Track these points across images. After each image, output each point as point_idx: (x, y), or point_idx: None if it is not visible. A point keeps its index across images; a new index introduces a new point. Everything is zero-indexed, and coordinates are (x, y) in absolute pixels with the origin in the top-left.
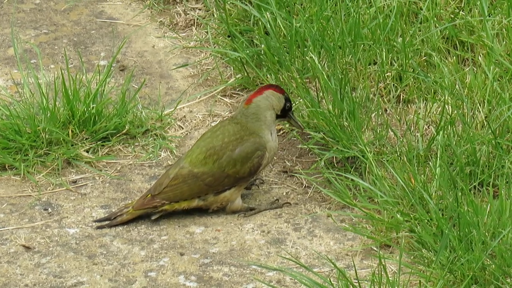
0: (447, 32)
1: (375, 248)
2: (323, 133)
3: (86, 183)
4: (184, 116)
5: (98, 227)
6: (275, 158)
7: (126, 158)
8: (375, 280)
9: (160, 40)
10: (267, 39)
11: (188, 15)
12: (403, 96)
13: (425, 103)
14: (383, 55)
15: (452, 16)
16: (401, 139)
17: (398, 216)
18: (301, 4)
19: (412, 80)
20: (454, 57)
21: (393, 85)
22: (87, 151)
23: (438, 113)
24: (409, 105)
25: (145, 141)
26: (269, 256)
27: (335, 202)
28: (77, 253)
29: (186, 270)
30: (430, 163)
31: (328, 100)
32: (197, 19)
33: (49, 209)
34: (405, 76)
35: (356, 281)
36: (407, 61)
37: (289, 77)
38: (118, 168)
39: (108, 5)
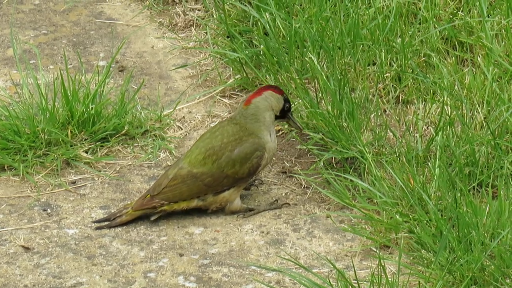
0: (446, 33)
1: (374, 249)
2: (322, 134)
3: (85, 183)
4: (183, 117)
5: (98, 228)
6: (274, 159)
7: (125, 159)
8: (374, 280)
9: (159, 40)
10: (266, 40)
11: (187, 16)
12: (402, 96)
13: (424, 104)
14: (382, 56)
15: (451, 16)
16: (400, 140)
17: (397, 216)
18: (301, 5)
19: (411, 80)
20: (453, 58)
21: (392, 85)
22: (86, 152)
23: (437, 113)
24: (408, 106)
25: (144, 141)
26: (268, 257)
27: (334, 203)
28: (77, 254)
29: (185, 270)
30: (429, 163)
31: (327, 101)
32: (196, 19)
33: (48, 209)
34: (404, 76)
35: (356, 281)
36: (406, 61)
37: (288, 78)
38: (117, 169)
39: (107, 5)
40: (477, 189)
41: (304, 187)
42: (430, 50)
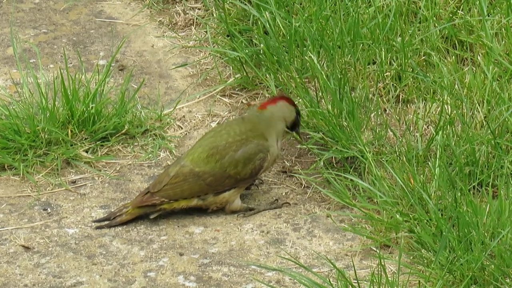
0: (446, 32)
1: (375, 248)
2: (322, 133)
3: (85, 183)
4: (184, 116)
5: (98, 228)
6: (275, 164)
7: (125, 158)
8: (375, 280)
9: (159, 39)
10: (266, 39)
11: (187, 15)
12: (402, 96)
13: (424, 103)
14: (382, 55)
15: (451, 15)
16: (400, 139)
17: (398, 216)
18: (300, 4)
19: (411, 80)
20: (453, 57)
21: (392, 85)
22: (87, 151)
23: (437, 113)
24: (408, 105)
25: (144, 141)
26: (268, 256)
27: (334, 202)
28: (77, 253)
29: (185, 270)
30: (430, 163)
31: (327, 100)
32: (196, 18)
33: (49, 209)
34: (404, 76)
35: (356, 281)
36: (406, 60)
37: (288, 77)
38: (118, 168)
39: (107, 4)
40: (477, 189)
41: (304, 186)
42: (430, 49)
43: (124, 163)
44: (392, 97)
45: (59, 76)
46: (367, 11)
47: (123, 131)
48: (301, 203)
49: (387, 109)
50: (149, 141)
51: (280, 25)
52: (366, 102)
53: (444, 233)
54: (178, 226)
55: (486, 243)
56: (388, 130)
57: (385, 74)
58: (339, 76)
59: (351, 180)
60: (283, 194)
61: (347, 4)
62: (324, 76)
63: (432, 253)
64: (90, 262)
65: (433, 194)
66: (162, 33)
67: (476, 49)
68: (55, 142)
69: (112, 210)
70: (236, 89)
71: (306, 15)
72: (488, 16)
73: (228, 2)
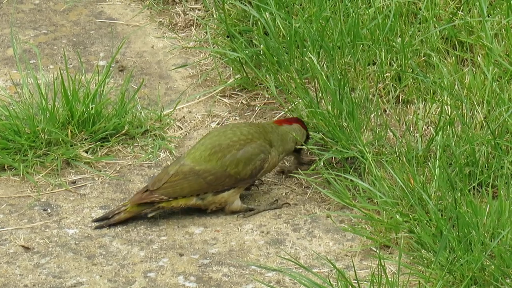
0: (446, 33)
1: (375, 249)
2: (322, 134)
3: (85, 183)
4: (183, 117)
5: (97, 227)
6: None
7: (125, 159)
8: (375, 280)
9: (159, 40)
10: (266, 40)
11: (187, 16)
12: (402, 96)
13: (424, 104)
14: (382, 56)
15: (451, 16)
16: (400, 140)
17: (398, 216)
18: (300, 5)
19: (411, 80)
20: (453, 58)
21: (392, 85)
22: (86, 152)
23: (437, 113)
24: (408, 106)
25: (144, 141)
26: (268, 257)
27: (334, 203)
28: (77, 254)
29: (185, 270)
30: (429, 163)
31: (327, 101)
32: (196, 19)
33: (49, 209)
34: (404, 76)
35: (356, 281)
36: (406, 61)
37: (288, 78)
38: (117, 169)
39: (107, 5)
40: (477, 189)
41: (304, 187)
42: (430, 50)
43: (124, 163)
44: (392, 97)
45: (59, 76)
46: (367, 12)
47: (123, 131)
48: (301, 204)
49: (387, 110)
50: (149, 142)
51: (280, 25)
52: (366, 102)
53: (444, 234)
54: (178, 227)
55: (486, 244)
56: (388, 130)
57: (385, 75)
58: (339, 77)
59: (351, 180)
60: (283, 194)
61: (347, 5)
62: (324, 77)
63: (432, 253)
64: (90, 262)
65: (433, 194)
66: (162, 34)
67: (476, 50)
68: (55, 143)
69: (111, 209)
70: (236, 90)
71: (306, 15)
72: (488, 17)
73: (228, 3)
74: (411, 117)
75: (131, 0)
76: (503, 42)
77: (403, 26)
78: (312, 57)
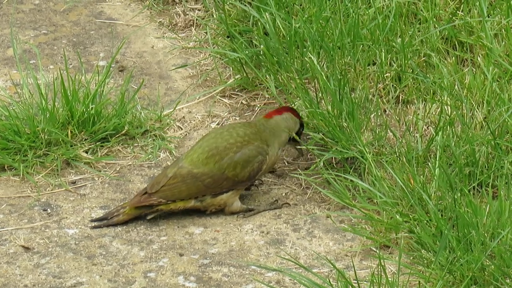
0: (446, 33)
1: (375, 249)
2: (322, 134)
3: (85, 183)
4: (183, 117)
5: (95, 227)
6: (274, 168)
7: (125, 159)
8: (375, 280)
9: (159, 40)
10: (266, 40)
11: (187, 16)
12: (402, 96)
13: (424, 104)
14: (382, 56)
15: (451, 16)
16: (400, 140)
17: (397, 216)
18: (300, 5)
19: (411, 80)
20: (453, 58)
21: (392, 85)
22: (86, 152)
23: (437, 113)
24: (408, 106)
25: (144, 141)
26: (268, 257)
27: (334, 203)
28: (77, 254)
29: (185, 270)
30: (429, 163)
31: (327, 101)
32: (196, 19)
33: (48, 209)
34: (404, 76)
35: (356, 281)
36: (406, 61)
37: (288, 78)
38: (117, 169)
39: (107, 5)
40: (477, 189)
41: (304, 187)
42: (430, 50)
43: (124, 163)
44: (392, 98)
45: (59, 77)
46: (367, 12)
47: (123, 131)
48: (301, 204)
49: (387, 110)
50: (149, 142)
51: (280, 26)
52: (366, 103)
53: (444, 234)
54: (178, 227)
55: (486, 244)
56: (388, 130)
57: (385, 75)
58: (339, 77)
59: (351, 180)
60: (283, 194)
61: (347, 5)
62: (324, 77)
63: (432, 253)
64: (90, 262)
65: (433, 194)
66: (162, 34)
67: (476, 50)
68: (55, 143)
69: (110, 210)
70: (236, 90)
71: (306, 16)
72: (488, 17)
73: (228, 3)
74: (411, 117)
75: (131, 0)
76: (503, 42)
77: (403, 26)
78: (312, 57)
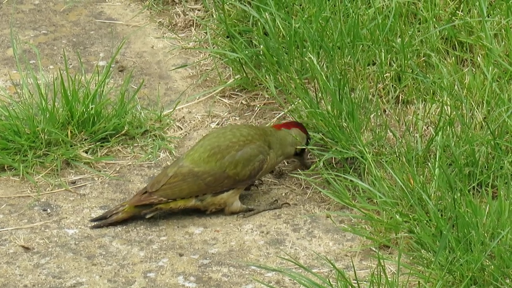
0: (446, 33)
1: (374, 249)
2: (322, 134)
3: (85, 183)
4: (183, 117)
5: (94, 227)
6: (275, 168)
7: (125, 159)
8: (374, 280)
9: (159, 40)
10: (266, 40)
11: (187, 16)
12: (402, 96)
13: (424, 104)
14: (382, 56)
15: (451, 16)
16: (400, 140)
17: (397, 216)
18: (300, 5)
19: (411, 80)
20: (453, 58)
21: (392, 85)
22: (86, 152)
23: (437, 113)
24: (408, 106)
25: (144, 141)
26: (268, 257)
27: (334, 203)
28: (76, 254)
29: (185, 270)
30: (429, 163)
31: (327, 101)
32: (196, 19)
33: (48, 209)
34: (404, 76)
35: (355, 281)
36: (406, 61)
37: (288, 78)
38: (117, 169)
39: (107, 5)
40: (477, 189)
41: (304, 187)
42: (430, 50)
43: (123, 163)
44: (392, 98)
45: (59, 77)
46: (367, 12)
47: (123, 132)
48: (301, 204)
49: (386, 110)
50: (148, 142)
51: (280, 26)
52: (365, 103)
53: (443, 234)
54: (178, 227)
55: (485, 244)
56: (388, 131)
57: (384, 75)
58: (339, 77)
59: (351, 180)
60: (283, 194)
61: (346, 5)
62: (324, 77)
63: (432, 253)
64: (90, 262)
65: (432, 194)
66: (162, 34)
67: (476, 50)
68: (54, 143)
69: (109, 209)
70: (236, 90)
71: (305, 16)
72: (488, 17)
73: (228, 3)
74: (411, 117)
75: (131, 0)
76: (503, 42)
77: (403, 26)
78: (312, 57)
